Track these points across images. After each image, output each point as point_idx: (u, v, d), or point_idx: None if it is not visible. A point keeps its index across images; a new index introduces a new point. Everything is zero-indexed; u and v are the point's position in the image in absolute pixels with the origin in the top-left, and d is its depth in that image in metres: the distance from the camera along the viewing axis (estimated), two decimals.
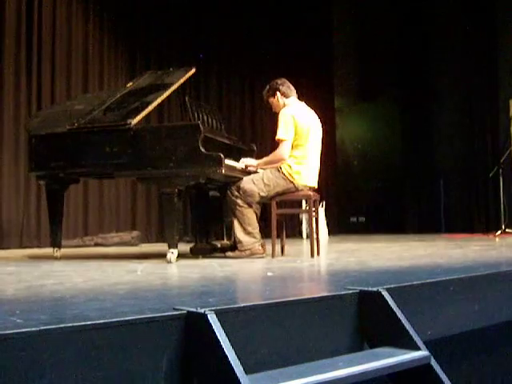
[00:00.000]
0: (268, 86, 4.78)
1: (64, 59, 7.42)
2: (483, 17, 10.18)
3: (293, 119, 4.49)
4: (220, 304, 1.76)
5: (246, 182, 4.45)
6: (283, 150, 4.49)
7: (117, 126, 4.24)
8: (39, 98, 7.11)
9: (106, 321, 1.50)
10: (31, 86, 7.04)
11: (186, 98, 4.65)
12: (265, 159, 4.66)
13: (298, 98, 4.78)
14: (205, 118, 4.71)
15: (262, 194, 4.45)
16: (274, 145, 4.65)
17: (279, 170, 4.50)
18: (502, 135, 9.67)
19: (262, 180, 4.47)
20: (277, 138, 4.52)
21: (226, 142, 4.85)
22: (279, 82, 4.72)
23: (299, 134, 4.51)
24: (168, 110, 8.40)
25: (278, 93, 4.69)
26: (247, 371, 1.53)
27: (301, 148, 4.53)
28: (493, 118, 10.12)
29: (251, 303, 1.82)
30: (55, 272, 3.46)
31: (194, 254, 4.72)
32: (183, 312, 1.63)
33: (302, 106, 4.74)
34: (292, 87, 4.74)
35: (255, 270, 3.60)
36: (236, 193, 4.43)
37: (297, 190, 4.53)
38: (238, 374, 1.49)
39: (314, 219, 4.62)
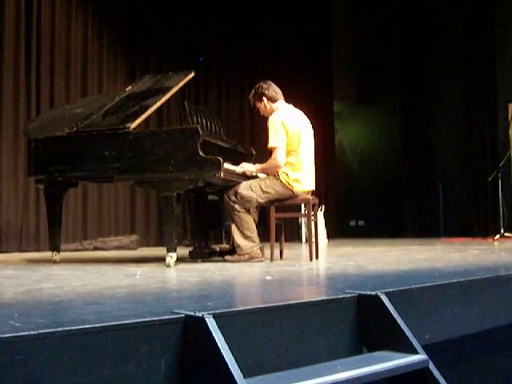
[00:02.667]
0: (253, 91, 4.64)
1: (63, 63, 7.43)
2: (482, 21, 10.20)
3: (283, 125, 4.41)
4: (218, 308, 1.76)
5: (244, 188, 4.40)
6: (278, 158, 4.42)
7: (116, 129, 4.23)
8: (38, 102, 7.12)
9: (104, 324, 1.50)
10: (30, 90, 7.05)
11: (185, 102, 4.64)
12: (262, 166, 4.60)
13: (292, 102, 4.71)
14: (204, 121, 4.71)
15: (260, 200, 4.42)
16: (269, 153, 4.53)
17: (277, 177, 4.45)
18: (501, 139, 9.68)
19: (260, 187, 4.42)
20: (269, 146, 4.45)
21: (225, 145, 4.85)
22: (264, 86, 4.58)
23: (291, 139, 4.44)
24: (167, 114, 8.41)
25: (264, 98, 4.57)
26: (245, 375, 1.53)
27: (294, 154, 4.47)
28: (492, 122, 10.14)
29: (249, 307, 1.83)
30: (54, 276, 3.46)
31: (193, 257, 4.72)
32: (181, 316, 1.63)
33: (290, 108, 4.64)
34: (278, 90, 4.62)
35: (254, 273, 3.60)
36: (233, 198, 4.40)
37: (295, 196, 4.51)
38: (236, 378, 1.49)
39: (312, 223, 4.62)
